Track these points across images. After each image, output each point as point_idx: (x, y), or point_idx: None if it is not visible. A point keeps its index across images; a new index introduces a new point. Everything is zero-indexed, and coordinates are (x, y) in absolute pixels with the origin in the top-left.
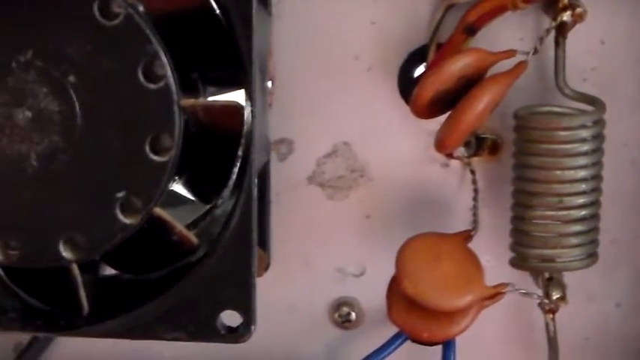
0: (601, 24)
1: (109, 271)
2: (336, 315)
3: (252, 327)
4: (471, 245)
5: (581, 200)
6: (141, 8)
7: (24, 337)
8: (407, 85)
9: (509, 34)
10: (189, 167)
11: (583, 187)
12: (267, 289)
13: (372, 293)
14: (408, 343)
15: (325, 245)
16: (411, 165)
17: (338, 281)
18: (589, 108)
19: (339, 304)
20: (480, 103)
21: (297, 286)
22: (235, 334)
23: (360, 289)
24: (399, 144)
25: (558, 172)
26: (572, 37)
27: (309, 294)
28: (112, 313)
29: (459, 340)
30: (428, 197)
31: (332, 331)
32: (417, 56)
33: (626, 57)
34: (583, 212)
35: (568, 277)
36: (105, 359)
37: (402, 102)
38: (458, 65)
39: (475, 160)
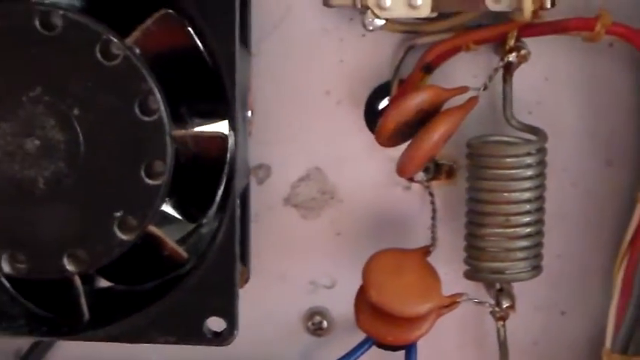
0: (544, 63)
1: (105, 283)
2: (309, 323)
3: (235, 332)
4: (430, 260)
5: (525, 219)
6: (137, 50)
7: (24, 344)
8: (372, 117)
9: (464, 71)
10: (179, 190)
11: (527, 207)
12: (246, 300)
13: (342, 303)
14: (375, 349)
15: (299, 260)
16: (376, 188)
17: (311, 293)
18: (533, 137)
19: (312, 314)
20: (436, 133)
21: (273, 298)
22: (220, 338)
23: (331, 300)
24: (366, 169)
25: (505, 194)
26: (520, 75)
27: (284, 304)
28: (110, 319)
29: (420, 345)
30: (391, 217)
31: (305, 338)
32: (381, 91)
33: (567, 92)
34: (528, 230)
35: (518, 288)
36: None
37: (368, 132)
38: (415, 101)
39: (434, 183)
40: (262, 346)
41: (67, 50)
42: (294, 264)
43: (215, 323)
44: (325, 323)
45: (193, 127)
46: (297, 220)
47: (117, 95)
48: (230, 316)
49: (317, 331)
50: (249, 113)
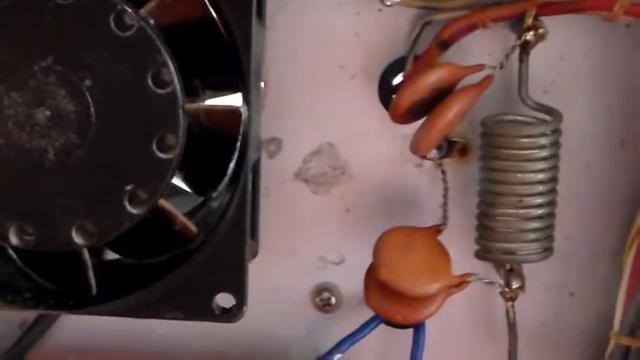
0: (561, 43)
1: (112, 256)
2: (318, 299)
3: (244, 308)
4: (441, 239)
5: (538, 200)
6: (152, 21)
7: (29, 316)
8: (386, 93)
9: (480, 49)
10: (189, 163)
11: (541, 188)
12: (255, 275)
13: (350, 280)
14: (383, 326)
15: (309, 235)
16: (387, 164)
17: (320, 269)
18: (548, 117)
19: (320, 290)
20: (451, 112)
21: (282, 273)
22: (229, 315)
23: (340, 276)
24: (378, 145)
25: (519, 175)
26: (536, 54)
27: (293, 280)
28: (117, 293)
29: (429, 324)
30: (402, 194)
31: (313, 314)
32: (395, 66)
33: (583, 72)
34: (540, 211)
35: (527, 269)
36: (102, 338)
37: (381, 107)
38: (432, 78)
39: (446, 161)
40: (270, 321)
41: (81, 19)
42: (303, 239)
43: (224, 299)
44: (333, 299)
45: (205, 100)
46: (308, 195)
47: (130, 67)
48: (239, 292)
49: (325, 307)
50: (262, 84)
